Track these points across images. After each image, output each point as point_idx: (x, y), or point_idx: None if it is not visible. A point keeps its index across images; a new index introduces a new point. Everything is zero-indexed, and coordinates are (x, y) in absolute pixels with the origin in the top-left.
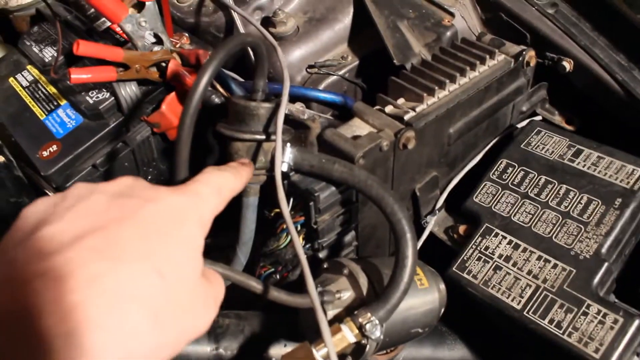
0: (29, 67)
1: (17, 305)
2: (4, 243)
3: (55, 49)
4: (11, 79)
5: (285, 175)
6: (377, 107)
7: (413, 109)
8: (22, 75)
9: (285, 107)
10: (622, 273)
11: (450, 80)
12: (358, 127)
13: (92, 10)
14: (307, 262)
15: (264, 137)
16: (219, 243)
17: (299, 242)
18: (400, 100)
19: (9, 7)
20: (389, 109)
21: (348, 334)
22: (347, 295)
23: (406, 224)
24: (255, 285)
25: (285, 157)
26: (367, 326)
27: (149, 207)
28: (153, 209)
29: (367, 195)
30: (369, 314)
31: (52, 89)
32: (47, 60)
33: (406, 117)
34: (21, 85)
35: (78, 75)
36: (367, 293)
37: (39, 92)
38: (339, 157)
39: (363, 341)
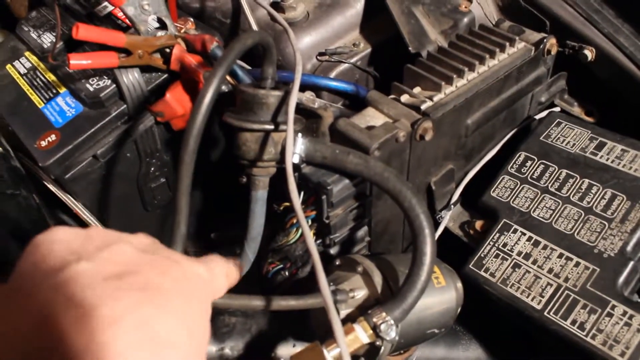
0: (27, 53)
1: (49, 343)
2: (27, 271)
3: (54, 34)
4: (8, 66)
5: (296, 167)
6: (392, 96)
7: (430, 98)
8: (20, 62)
9: (296, 95)
10: None
11: (469, 68)
12: (372, 117)
13: None
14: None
15: (273, 126)
16: (227, 237)
17: (311, 237)
18: (417, 89)
19: None
20: (404, 98)
21: (361, 335)
22: (361, 294)
23: (425, 219)
24: (260, 303)
25: (296, 148)
26: (382, 326)
27: (178, 268)
28: (182, 271)
29: (384, 189)
30: (384, 314)
31: (51, 77)
32: (45, 46)
33: (423, 107)
34: (19, 73)
35: (77, 61)
36: (382, 292)
37: (38, 80)
38: (353, 148)
39: (377, 342)
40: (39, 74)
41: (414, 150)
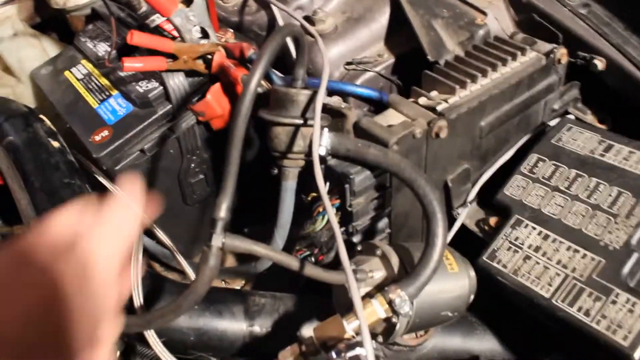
0: (83, 61)
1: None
2: (37, 247)
3: (108, 44)
4: (67, 72)
5: (322, 160)
6: (412, 99)
7: (446, 100)
8: (77, 68)
9: (324, 93)
10: None
11: (482, 74)
12: (392, 117)
13: (143, 9)
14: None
15: (302, 121)
16: (259, 232)
17: (335, 218)
18: (434, 93)
19: (67, 7)
20: (422, 100)
21: (378, 308)
22: (380, 274)
23: (437, 205)
24: (292, 262)
25: (322, 141)
26: (397, 301)
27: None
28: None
29: (400, 178)
30: (398, 290)
31: (104, 81)
32: (100, 54)
33: (439, 108)
34: (76, 78)
35: (131, 64)
36: (399, 273)
37: (92, 84)
38: (374, 142)
39: (393, 319)
40: (93, 78)
41: (431, 148)
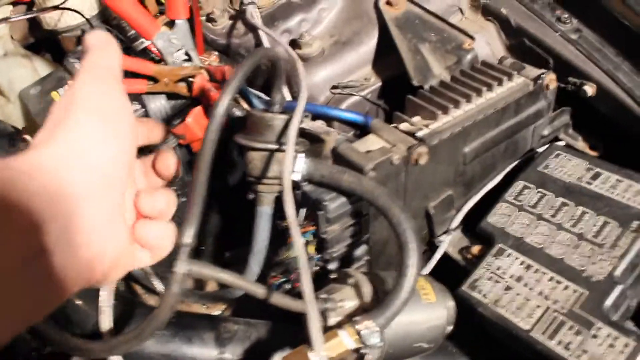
0: (70, 82)
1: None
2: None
3: None
4: (54, 93)
5: (297, 185)
6: (394, 124)
7: (427, 126)
8: (64, 89)
9: (299, 118)
10: None
11: (466, 99)
12: (373, 143)
13: (132, 31)
14: (317, 273)
15: (277, 146)
16: (240, 257)
17: (300, 242)
18: (416, 118)
19: (58, 28)
20: (403, 126)
21: (346, 339)
22: (351, 304)
23: (410, 234)
24: (258, 289)
25: (297, 167)
26: (365, 332)
27: None
28: None
29: (375, 205)
30: (367, 321)
31: None
32: None
33: (419, 134)
34: None
35: None
36: (371, 303)
37: None
38: (351, 169)
39: (363, 350)
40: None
41: (410, 175)
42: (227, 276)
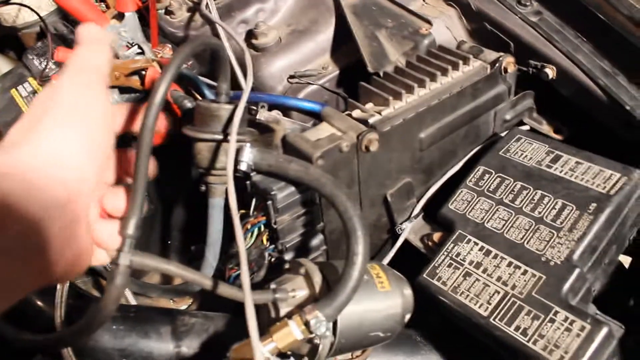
0: (30, 79)
1: None
2: None
3: (53, 62)
4: (13, 90)
5: (246, 175)
6: (347, 112)
7: (379, 112)
8: (23, 86)
9: (243, 108)
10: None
11: (420, 84)
12: (324, 131)
13: None
14: (273, 263)
15: (222, 136)
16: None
17: (240, 231)
18: (369, 105)
19: (16, 24)
20: (355, 113)
21: (294, 329)
22: (302, 294)
23: (357, 221)
24: (204, 280)
25: (244, 157)
26: (312, 322)
27: None
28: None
29: (321, 193)
30: (315, 311)
31: None
32: (46, 72)
33: (370, 120)
34: (21, 96)
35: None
36: (321, 292)
37: None
38: (299, 157)
39: (316, 340)
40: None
41: (362, 162)
42: (170, 267)
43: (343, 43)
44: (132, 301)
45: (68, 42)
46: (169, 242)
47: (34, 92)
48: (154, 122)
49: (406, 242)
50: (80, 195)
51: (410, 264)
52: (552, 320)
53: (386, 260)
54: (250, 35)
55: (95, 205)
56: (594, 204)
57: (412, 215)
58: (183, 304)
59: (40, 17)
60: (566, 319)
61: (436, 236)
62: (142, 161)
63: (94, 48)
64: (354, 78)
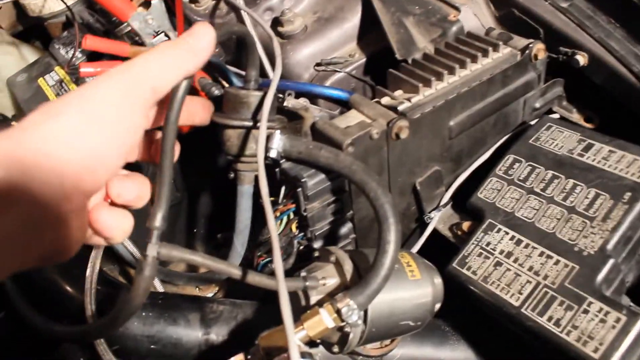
0: (56, 68)
1: None
2: None
3: (80, 50)
4: (40, 80)
5: (275, 163)
6: (375, 99)
7: (409, 99)
8: (50, 75)
9: (273, 94)
10: None
11: (449, 71)
12: (353, 118)
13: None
14: (302, 251)
15: (252, 123)
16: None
17: (272, 220)
18: (398, 92)
19: (43, 14)
20: (384, 100)
21: (326, 318)
22: (332, 282)
23: (389, 208)
24: (232, 270)
25: (274, 144)
26: (344, 310)
27: None
28: None
29: (352, 181)
30: (347, 299)
31: (74, 87)
32: (73, 61)
33: (400, 108)
34: (48, 85)
35: (87, 69)
36: (352, 280)
37: (63, 90)
38: (329, 145)
39: (346, 328)
40: (64, 85)
41: (393, 149)
42: (198, 258)
43: (369, 30)
44: (160, 288)
45: (93, 31)
46: (195, 230)
47: (61, 81)
48: (178, 117)
49: (434, 231)
50: (78, 193)
51: (439, 253)
52: (585, 311)
53: (415, 249)
54: (276, 22)
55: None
56: (629, 193)
57: (441, 204)
58: (209, 292)
59: (67, 6)
60: (601, 309)
61: (465, 225)
62: (167, 155)
63: (172, 62)
64: (381, 66)
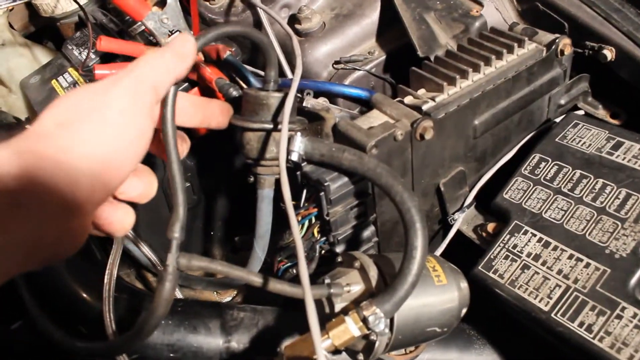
0: (70, 69)
1: None
2: None
3: (94, 51)
4: (53, 81)
5: (297, 166)
6: (398, 98)
7: (433, 99)
8: (64, 77)
9: (294, 96)
10: None
11: (474, 69)
12: (375, 118)
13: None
14: (324, 256)
15: (272, 126)
16: (250, 242)
17: (295, 224)
18: (421, 91)
19: (55, 15)
20: (408, 99)
21: (352, 326)
22: (357, 288)
23: (416, 213)
24: (252, 278)
25: (295, 147)
26: (370, 318)
27: None
28: None
29: (377, 184)
30: (373, 307)
31: None
32: (87, 62)
33: (424, 107)
34: (61, 87)
35: (102, 71)
36: (377, 286)
37: None
38: (352, 147)
39: (372, 337)
40: (78, 87)
41: (417, 150)
42: (219, 266)
43: (389, 27)
44: (178, 294)
45: (107, 31)
46: (212, 232)
47: (75, 83)
48: (173, 122)
49: (458, 233)
50: (89, 204)
51: (462, 255)
52: (619, 317)
53: (438, 252)
54: (293, 20)
55: None
56: None
57: (465, 205)
58: (227, 296)
59: (80, 6)
60: (635, 315)
61: (490, 227)
62: (174, 163)
63: (165, 65)
64: (402, 63)
